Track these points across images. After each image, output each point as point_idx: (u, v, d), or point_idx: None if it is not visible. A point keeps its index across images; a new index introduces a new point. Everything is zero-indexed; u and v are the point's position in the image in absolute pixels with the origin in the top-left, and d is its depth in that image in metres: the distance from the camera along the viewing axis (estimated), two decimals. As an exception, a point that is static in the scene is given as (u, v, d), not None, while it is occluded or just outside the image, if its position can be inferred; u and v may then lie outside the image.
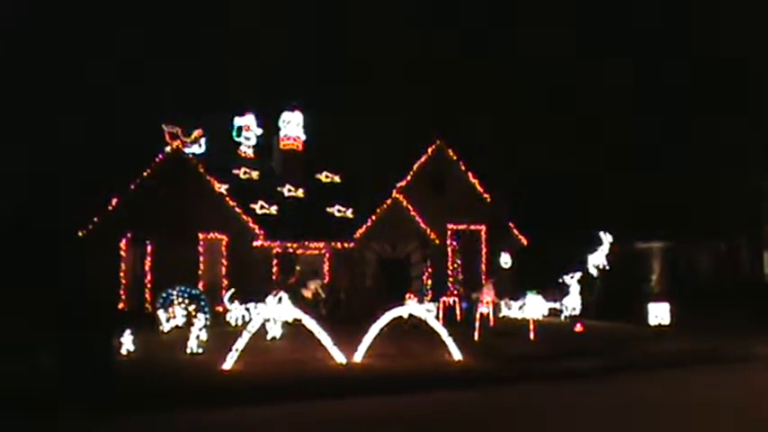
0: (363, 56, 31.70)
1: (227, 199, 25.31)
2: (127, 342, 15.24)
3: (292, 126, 29.68)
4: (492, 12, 30.50)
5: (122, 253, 23.95)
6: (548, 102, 31.89)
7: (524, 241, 29.86)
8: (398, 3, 31.44)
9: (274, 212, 26.89)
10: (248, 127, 29.03)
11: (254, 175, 28.58)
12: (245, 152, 28.82)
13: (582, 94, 31.15)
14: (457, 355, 14.78)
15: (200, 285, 23.63)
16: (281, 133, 29.72)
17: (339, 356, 14.18)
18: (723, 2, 31.51)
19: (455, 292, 26.74)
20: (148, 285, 23.70)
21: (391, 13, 31.39)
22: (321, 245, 26.41)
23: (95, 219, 23.81)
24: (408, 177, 28.33)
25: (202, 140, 26.57)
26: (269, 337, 17.98)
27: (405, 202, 27.28)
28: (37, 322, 16.88)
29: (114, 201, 24.03)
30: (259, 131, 29.37)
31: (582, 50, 31.80)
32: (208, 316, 18.20)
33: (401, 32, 31.01)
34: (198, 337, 15.65)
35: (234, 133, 28.87)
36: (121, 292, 23.75)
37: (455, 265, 28.80)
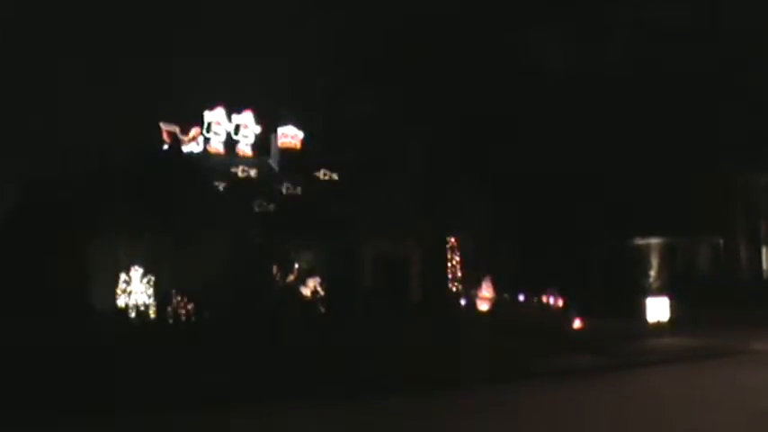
0: (362, 54, 31.56)
1: (226, 197, 25.29)
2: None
3: (291, 124, 29.64)
4: (492, 11, 30.35)
5: (120, 252, 23.87)
6: (546, 101, 31.83)
7: (523, 237, 29.85)
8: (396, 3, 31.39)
9: (273, 210, 26.88)
10: (246, 125, 28.84)
11: (253, 173, 28.54)
12: (243, 150, 28.69)
13: (581, 92, 31.08)
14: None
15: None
16: (279, 131, 29.68)
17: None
18: (722, 3, 31.41)
19: (454, 289, 26.74)
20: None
21: (392, 12, 31.28)
22: (320, 243, 26.39)
23: (92, 218, 23.74)
24: (407, 174, 28.27)
25: (200, 139, 26.58)
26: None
27: (403, 200, 27.25)
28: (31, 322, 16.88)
29: (111, 200, 23.93)
30: (257, 129, 29.20)
31: (580, 51, 31.68)
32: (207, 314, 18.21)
33: (402, 31, 30.94)
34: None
35: (232, 131, 28.66)
36: (118, 291, 23.67)
37: (453, 262, 28.77)
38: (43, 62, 45.64)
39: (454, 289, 27.40)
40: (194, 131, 26.10)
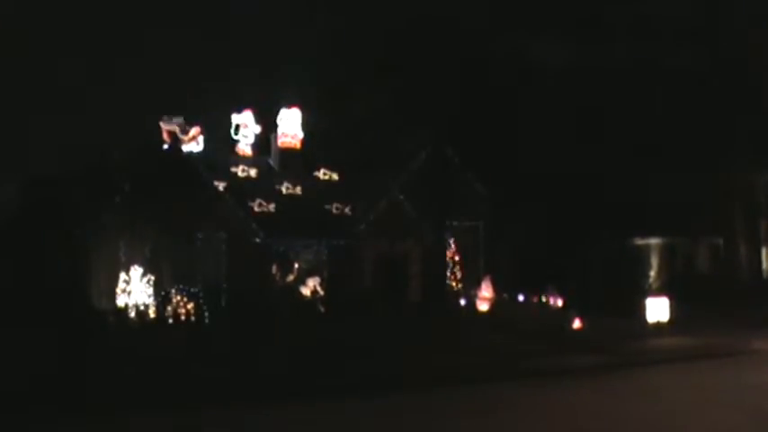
0: (363, 53, 31.65)
1: (226, 197, 25.25)
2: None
3: (290, 123, 29.59)
4: (493, 11, 30.39)
5: (120, 252, 23.86)
6: (546, 99, 31.86)
7: (523, 237, 29.85)
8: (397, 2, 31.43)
9: (272, 210, 26.85)
10: (246, 124, 28.87)
11: (253, 173, 28.50)
12: (242, 150, 28.68)
13: (581, 92, 31.11)
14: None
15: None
16: (279, 131, 29.64)
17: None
18: (721, 2, 31.45)
19: (453, 289, 26.71)
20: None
21: (392, 12, 31.37)
22: (319, 242, 26.38)
23: (92, 218, 23.75)
24: (407, 174, 28.28)
25: (200, 138, 26.56)
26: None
27: (403, 199, 27.25)
28: (31, 322, 16.89)
29: (111, 200, 23.94)
30: (257, 129, 29.17)
31: (580, 50, 31.71)
32: (207, 314, 18.25)
33: (402, 31, 31.00)
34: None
35: (232, 131, 28.69)
36: (118, 291, 23.67)
37: (453, 262, 28.76)
38: (43, 62, 45.68)
39: (454, 289, 27.38)
40: (194, 131, 26.05)
